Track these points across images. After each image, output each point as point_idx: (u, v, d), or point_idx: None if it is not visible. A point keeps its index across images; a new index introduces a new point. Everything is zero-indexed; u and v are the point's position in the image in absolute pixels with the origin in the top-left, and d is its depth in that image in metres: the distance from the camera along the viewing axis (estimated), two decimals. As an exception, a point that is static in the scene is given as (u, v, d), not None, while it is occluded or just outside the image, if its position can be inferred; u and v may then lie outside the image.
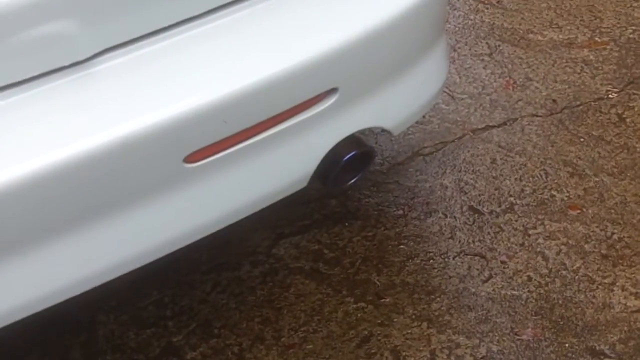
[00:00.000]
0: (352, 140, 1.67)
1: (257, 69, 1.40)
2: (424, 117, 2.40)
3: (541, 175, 2.23)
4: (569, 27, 2.73)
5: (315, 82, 1.46)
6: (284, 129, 1.48)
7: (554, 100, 2.46)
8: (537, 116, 2.41)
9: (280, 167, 1.54)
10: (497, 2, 2.84)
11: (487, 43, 2.67)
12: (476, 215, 2.13)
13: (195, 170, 1.41)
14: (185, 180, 1.41)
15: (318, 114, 1.51)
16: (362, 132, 1.65)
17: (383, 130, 1.69)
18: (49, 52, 1.30)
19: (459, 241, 2.06)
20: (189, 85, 1.37)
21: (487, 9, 2.82)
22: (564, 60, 2.60)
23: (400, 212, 2.14)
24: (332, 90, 1.50)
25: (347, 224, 2.11)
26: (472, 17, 2.78)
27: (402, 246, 2.05)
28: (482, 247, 2.05)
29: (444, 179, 2.22)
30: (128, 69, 1.37)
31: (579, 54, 2.63)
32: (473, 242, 2.06)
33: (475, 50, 2.64)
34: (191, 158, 1.39)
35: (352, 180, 1.75)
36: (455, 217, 2.12)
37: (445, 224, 2.10)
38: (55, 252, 1.32)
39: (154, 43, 1.40)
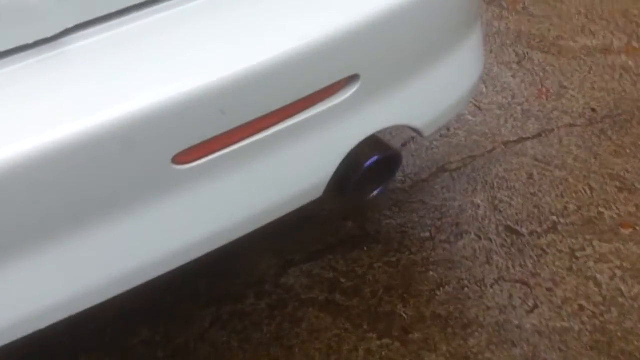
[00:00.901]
0: (375, 143, 1.41)
1: (261, 49, 1.14)
2: (448, 129, 2.14)
3: (586, 191, 1.96)
4: (603, 33, 2.49)
5: (332, 66, 1.20)
6: (295, 125, 1.22)
7: (593, 109, 2.20)
8: (575, 126, 2.15)
9: (290, 173, 1.27)
10: (523, 8, 2.60)
11: (514, 51, 2.42)
12: (514, 236, 1.85)
13: (187, 174, 1.14)
14: (175, 185, 1.14)
15: (336, 107, 1.25)
16: (385, 132, 1.39)
17: (411, 129, 1.42)
18: (9, 27, 1.05)
19: (497, 266, 1.79)
20: (178, 68, 1.11)
21: (512, 15, 2.58)
22: (601, 67, 2.35)
23: (427, 234, 1.87)
24: (353, 78, 1.24)
25: (366, 249, 1.84)
26: (495, 24, 2.54)
27: (431, 273, 1.78)
28: (523, 273, 1.77)
29: (475, 197, 1.96)
30: (105, 48, 1.11)
31: (616, 60, 2.38)
32: (513, 267, 1.78)
33: (502, 58, 2.39)
34: (181, 158, 1.12)
35: (375, 192, 1.49)
36: (490, 239, 1.85)
37: (479, 247, 1.83)
38: (13, 273, 1.06)
39: (138, 19, 1.14)
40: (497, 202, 1.94)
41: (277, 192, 1.27)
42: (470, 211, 1.92)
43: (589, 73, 2.33)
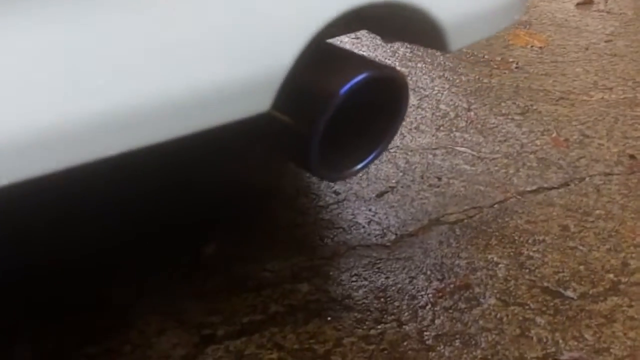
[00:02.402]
0: (359, 59, 0.81)
1: None
2: (439, 178, 1.54)
3: (648, 244, 1.35)
4: (621, 88, 1.98)
5: None
6: None
7: (632, 156, 1.63)
8: (613, 174, 1.57)
9: (208, 37, 0.64)
10: (516, 67, 2.10)
11: (514, 103, 1.88)
12: (558, 300, 1.21)
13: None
14: None
15: None
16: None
17: (425, 25, 0.81)
18: None
19: (539, 340, 1.13)
20: None
21: (505, 73, 2.07)
22: (629, 118, 1.81)
23: (423, 299, 1.21)
24: None
25: (330, 319, 1.17)
26: (486, 80, 2.02)
27: (434, 352, 1.10)
28: (582, 348, 1.11)
29: (489, 253, 1.32)
30: None
31: (646, 111, 1.85)
32: (564, 340, 1.12)
33: (500, 110, 1.84)
34: None
35: (364, 161, 0.87)
36: (522, 304, 1.20)
37: (507, 316, 1.17)
38: None
39: None
40: (523, 258, 1.31)
41: (175, 71, 0.63)
42: (484, 270, 1.28)
43: (616, 123, 1.78)
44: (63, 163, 0.62)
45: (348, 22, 0.76)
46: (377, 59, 0.81)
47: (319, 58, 0.75)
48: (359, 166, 0.86)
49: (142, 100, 0.61)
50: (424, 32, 0.80)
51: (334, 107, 0.76)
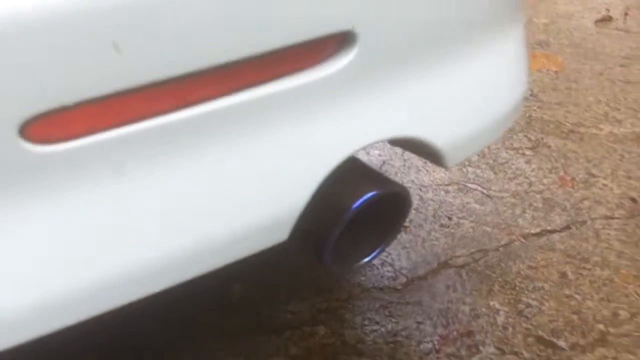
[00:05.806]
0: (369, 174, 0.93)
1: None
2: (450, 218, 1.66)
3: (638, 294, 1.46)
4: (630, 121, 2.07)
5: (312, 7, 0.74)
6: (245, 106, 0.74)
7: (634, 200, 1.74)
8: (613, 218, 1.68)
9: (231, 190, 0.77)
10: (531, 95, 2.20)
11: (525, 136, 1.99)
12: (550, 350, 1.33)
13: (53, 163, 0.65)
14: (29, 180, 0.64)
15: (317, 86, 0.77)
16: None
17: (426, 152, 0.94)
18: None
19: (530, 390, 1.26)
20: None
21: (519, 101, 2.17)
22: (634, 155, 1.91)
23: (429, 345, 1.34)
24: (346, 38, 0.78)
25: (344, 363, 1.31)
26: (500, 109, 2.12)
27: (436, 398, 1.24)
28: (569, 400, 1.24)
29: (491, 299, 1.45)
30: None
31: (652, 148, 1.95)
32: (553, 391, 1.26)
33: (511, 144, 1.95)
34: (40, 131, 0.63)
35: (370, 256, 1.00)
36: (517, 353, 1.32)
37: (503, 364, 1.30)
38: None
39: None
40: (521, 306, 1.43)
41: (209, 219, 0.76)
42: (486, 317, 1.40)
43: (621, 161, 1.89)
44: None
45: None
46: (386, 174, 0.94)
47: (334, 178, 0.88)
48: (365, 259, 0.99)
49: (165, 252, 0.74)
50: (425, 153, 0.93)
51: (346, 220, 0.89)
